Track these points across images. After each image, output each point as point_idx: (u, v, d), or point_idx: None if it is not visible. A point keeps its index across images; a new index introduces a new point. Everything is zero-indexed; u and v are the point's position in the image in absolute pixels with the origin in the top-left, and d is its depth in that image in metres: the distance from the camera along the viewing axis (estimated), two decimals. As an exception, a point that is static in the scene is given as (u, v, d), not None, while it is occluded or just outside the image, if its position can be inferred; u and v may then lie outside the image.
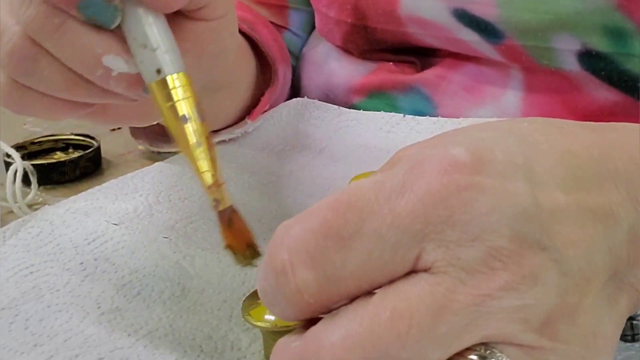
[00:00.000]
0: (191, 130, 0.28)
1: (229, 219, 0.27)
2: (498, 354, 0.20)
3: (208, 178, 0.27)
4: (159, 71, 0.29)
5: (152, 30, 0.29)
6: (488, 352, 0.20)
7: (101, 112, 0.34)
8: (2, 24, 0.29)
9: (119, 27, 0.29)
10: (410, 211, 0.19)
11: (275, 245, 0.20)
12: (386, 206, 0.19)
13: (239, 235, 0.27)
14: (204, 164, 0.27)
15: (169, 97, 0.29)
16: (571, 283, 0.21)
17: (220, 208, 0.27)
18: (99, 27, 0.29)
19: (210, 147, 0.28)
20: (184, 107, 0.28)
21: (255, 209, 0.42)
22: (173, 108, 0.28)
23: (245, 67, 0.53)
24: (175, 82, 0.29)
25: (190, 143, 0.28)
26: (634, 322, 0.28)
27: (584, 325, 0.21)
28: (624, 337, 0.29)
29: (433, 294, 0.19)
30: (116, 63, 0.29)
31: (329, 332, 0.19)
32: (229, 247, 0.27)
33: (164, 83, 0.29)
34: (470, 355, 0.20)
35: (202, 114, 0.29)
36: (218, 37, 0.34)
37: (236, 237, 0.27)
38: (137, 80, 0.29)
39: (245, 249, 0.27)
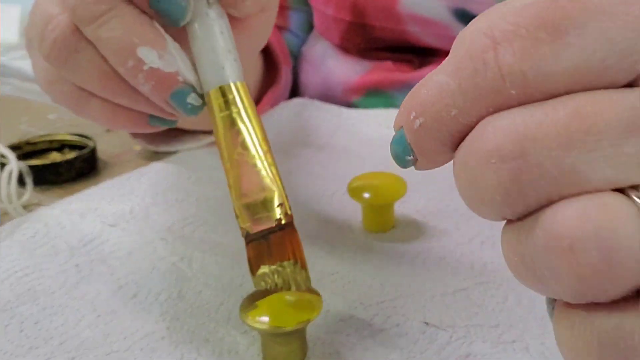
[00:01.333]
0: (254, 141, 0.28)
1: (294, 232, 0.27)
2: None
3: (276, 195, 0.27)
4: (221, 77, 0.28)
5: (223, 34, 0.29)
6: None
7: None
8: (48, 14, 0.30)
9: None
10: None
11: (475, 28, 0.18)
12: (621, 6, 0.16)
13: (293, 248, 0.27)
14: (276, 177, 0.27)
15: (227, 105, 0.28)
16: None
17: (286, 221, 0.27)
18: (166, 23, 0.29)
19: (270, 162, 0.28)
20: (249, 116, 0.28)
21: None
22: (230, 117, 0.28)
23: (254, 67, 0.53)
24: (235, 91, 0.28)
25: (252, 155, 0.27)
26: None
27: None
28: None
29: (635, 109, 0.16)
30: (150, 56, 0.28)
31: (507, 116, 0.17)
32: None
33: (223, 90, 0.28)
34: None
35: (261, 125, 0.28)
36: (253, 34, 0.33)
37: (290, 250, 0.27)
38: (166, 80, 0.29)
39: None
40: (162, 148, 0.51)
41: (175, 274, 0.36)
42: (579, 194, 0.17)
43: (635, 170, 0.16)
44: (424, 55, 0.54)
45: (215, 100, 0.28)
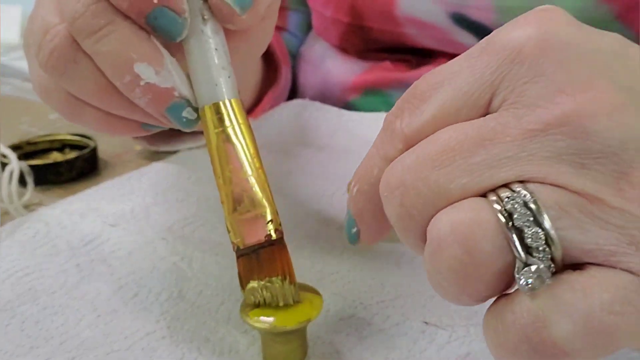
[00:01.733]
0: (245, 159, 0.28)
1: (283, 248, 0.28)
2: (524, 193, 0.19)
3: (268, 211, 0.28)
4: (215, 94, 0.29)
5: (218, 51, 0.29)
6: (517, 190, 0.19)
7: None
8: (47, 23, 0.30)
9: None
10: (484, 62, 0.21)
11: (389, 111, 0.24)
12: (465, 64, 0.22)
13: (282, 264, 0.28)
14: (267, 193, 0.28)
15: (220, 121, 0.29)
16: None
17: (276, 237, 0.28)
18: (162, 38, 0.29)
19: (262, 179, 0.28)
20: (240, 133, 0.29)
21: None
22: (223, 133, 0.28)
23: (254, 68, 0.53)
24: (229, 107, 0.29)
25: (243, 173, 0.28)
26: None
27: None
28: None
29: (482, 128, 0.20)
30: (147, 72, 0.28)
31: (394, 161, 0.22)
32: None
33: (217, 107, 0.29)
34: (496, 194, 0.20)
35: (255, 143, 0.29)
36: (253, 42, 0.33)
37: (277, 267, 0.28)
38: (162, 95, 0.29)
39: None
40: (163, 148, 0.51)
41: (175, 273, 0.36)
42: (448, 205, 0.20)
43: (484, 175, 0.20)
44: (422, 56, 0.54)
45: (209, 117, 0.29)
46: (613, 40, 0.22)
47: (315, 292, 0.29)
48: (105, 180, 0.46)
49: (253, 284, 0.28)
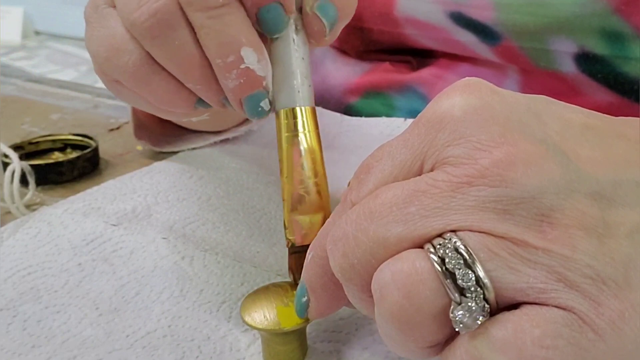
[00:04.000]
0: (311, 164, 0.30)
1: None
2: (454, 240, 0.21)
3: (321, 216, 0.30)
4: (294, 99, 0.30)
5: (304, 60, 0.31)
6: (449, 239, 0.21)
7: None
8: None
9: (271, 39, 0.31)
10: (414, 134, 0.23)
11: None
12: (401, 138, 0.24)
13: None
14: (327, 199, 0.30)
15: (294, 126, 0.30)
16: (572, 175, 0.21)
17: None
18: (261, 30, 0.30)
19: (324, 185, 0.30)
20: (311, 139, 0.30)
21: (255, 210, 0.42)
22: (296, 137, 0.30)
23: None
24: (305, 114, 0.31)
25: (308, 176, 0.30)
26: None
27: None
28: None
29: (415, 183, 0.22)
30: (251, 57, 0.29)
31: (345, 214, 0.24)
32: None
33: (294, 112, 0.30)
34: (431, 243, 0.21)
35: (321, 150, 0.31)
36: None
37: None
38: (254, 82, 0.30)
39: None
40: (167, 148, 0.51)
41: (177, 272, 0.36)
42: (388, 256, 0.22)
43: (417, 224, 0.22)
44: (422, 56, 0.54)
45: (284, 120, 0.30)
46: (530, 101, 0.24)
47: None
48: (107, 180, 0.46)
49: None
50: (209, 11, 0.29)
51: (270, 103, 0.31)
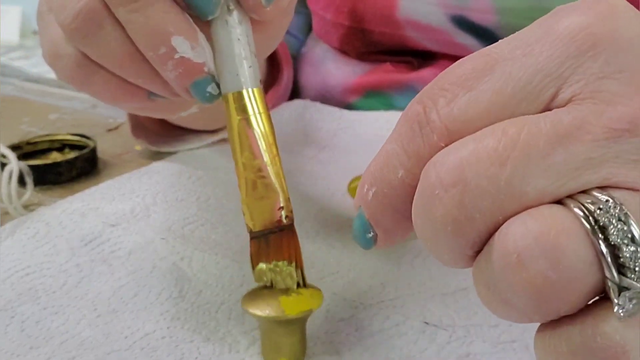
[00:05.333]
0: (262, 147, 0.29)
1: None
2: (611, 201, 0.17)
3: (280, 197, 0.29)
4: (236, 83, 0.29)
5: (240, 41, 0.30)
6: (605, 200, 0.17)
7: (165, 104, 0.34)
8: None
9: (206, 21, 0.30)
10: (547, 51, 0.19)
11: (412, 100, 0.21)
12: (519, 51, 0.19)
13: (289, 250, 0.29)
14: (281, 181, 0.29)
15: (243, 109, 0.29)
16: None
17: (287, 223, 0.29)
18: (193, 14, 0.29)
19: (278, 166, 0.29)
20: (259, 122, 0.29)
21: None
22: (244, 121, 0.29)
23: (261, 66, 0.53)
24: (252, 96, 0.30)
25: (259, 159, 0.29)
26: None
27: None
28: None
29: (555, 123, 0.18)
30: (183, 46, 0.29)
31: (444, 153, 0.19)
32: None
33: (239, 95, 0.29)
34: (579, 202, 0.17)
35: (273, 131, 0.30)
36: (270, 36, 0.34)
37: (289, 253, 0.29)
38: (193, 70, 0.29)
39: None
40: (164, 148, 0.51)
41: (175, 273, 0.36)
42: (520, 210, 0.18)
43: (566, 177, 0.17)
44: (423, 58, 0.54)
45: (231, 105, 0.29)
46: None
47: (315, 288, 0.29)
48: (105, 180, 0.46)
49: (262, 265, 0.29)
50: (129, 4, 0.28)
51: (219, 86, 0.30)
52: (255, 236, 0.29)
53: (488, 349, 0.29)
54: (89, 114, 0.64)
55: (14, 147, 0.50)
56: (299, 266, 0.29)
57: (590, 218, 0.17)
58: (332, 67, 0.60)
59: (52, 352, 0.30)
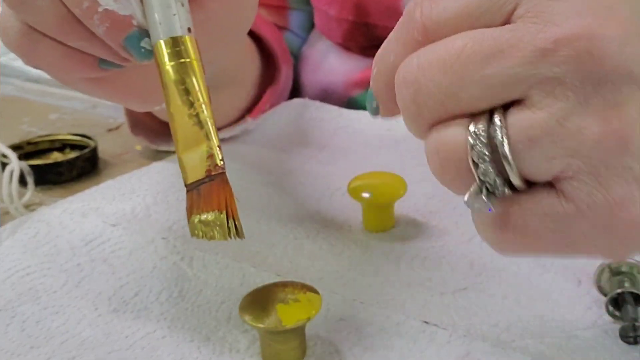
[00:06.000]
0: (193, 94, 0.28)
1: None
2: (498, 124, 0.20)
3: (206, 146, 0.28)
4: (167, 30, 0.29)
5: None
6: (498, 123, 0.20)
7: (108, 82, 0.34)
8: None
9: None
10: None
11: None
12: None
13: (219, 199, 0.28)
14: (209, 128, 0.28)
15: (174, 56, 0.28)
16: None
17: (215, 172, 0.28)
18: None
19: (208, 114, 0.28)
20: (188, 69, 0.28)
21: (254, 210, 0.42)
22: (174, 69, 0.28)
23: (251, 64, 0.53)
24: (181, 44, 0.29)
25: (187, 107, 0.28)
26: (637, 324, 0.28)
27: None
28: (626, 339, 0.29)
29: (496, 38, 0.20)
30: None
31: (413, 55, 0.22)
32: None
33: (169, 42, 0.28)
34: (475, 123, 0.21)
35: (204, 80, 0.29)
36: (238, 7, 0.34)
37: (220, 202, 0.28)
38: (120, 23, 0.29)
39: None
40: (163, 147, 0.51)
41: (176, 273, 0.36)
42: (459, 112, 0.21)
43: (493, 90, 0.20)
44: None
45: (161, 51, 0.29)
46: None
47: (314, 291, 0.29)
48: (106, 180, 0.46)
49: (194, 218, 0.28)
50: None
51: None
52: (190, 189, 0.28)
53: (488, 349, 0.29)
54: (89, 114, 0.64)
55: (15, 147, 0.50)
56: (231, 215, 0.28)
57: (474, 139, 0.21)
58: (335, 62, 0.60)
59: (52, 352, 0.30)
